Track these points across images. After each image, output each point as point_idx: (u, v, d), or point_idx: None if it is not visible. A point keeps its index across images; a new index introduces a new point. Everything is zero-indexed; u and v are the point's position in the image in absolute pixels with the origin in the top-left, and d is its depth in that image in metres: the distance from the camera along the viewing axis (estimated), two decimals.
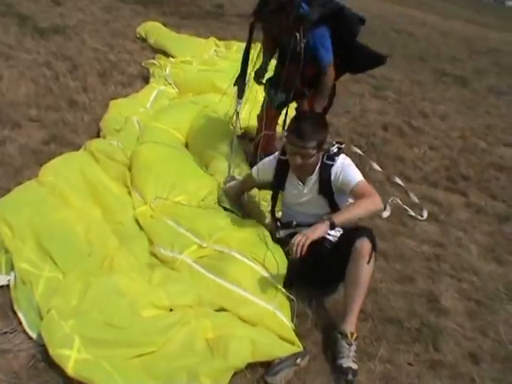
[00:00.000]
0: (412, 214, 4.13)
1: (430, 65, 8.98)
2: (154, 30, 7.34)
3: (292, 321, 2.64)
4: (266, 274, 2.72)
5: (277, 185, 3.06)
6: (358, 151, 5.00)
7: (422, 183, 4.79)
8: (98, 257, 2.79)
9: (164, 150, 3.65)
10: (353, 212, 2.65)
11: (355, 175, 2.79)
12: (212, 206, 3.28)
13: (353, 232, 2.71)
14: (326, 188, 2.87)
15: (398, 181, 4.59)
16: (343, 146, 2.93)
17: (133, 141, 3.86)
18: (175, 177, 3.40)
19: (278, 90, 3.72)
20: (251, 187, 3.35)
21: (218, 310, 2.57)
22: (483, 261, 3.71)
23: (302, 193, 2.95)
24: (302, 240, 2.44)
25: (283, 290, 2.70)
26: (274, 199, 3.14)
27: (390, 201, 4.15)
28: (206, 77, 5.37)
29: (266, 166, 3.07)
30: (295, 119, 2.89)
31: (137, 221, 3.16)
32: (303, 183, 2.94)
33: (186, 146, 4.07)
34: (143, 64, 6.16)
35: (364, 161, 4.84)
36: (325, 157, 2.82)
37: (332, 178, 2.82)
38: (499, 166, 5.43)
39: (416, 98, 7.21)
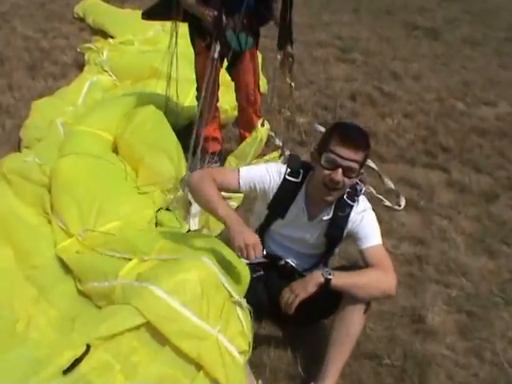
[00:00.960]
0: (388, 204, 3.62)
1: (399, 18, 8.29)
2: (92, 7, 6.55)
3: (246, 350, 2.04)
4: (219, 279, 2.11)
5: (277, 210, 2.28)
6: (323, 130, 4.43)
7: (398, 162, 4.27)
8: (7, 321, 2.25)
9: (87, 163, 3.03)
10: (359, 282, 2.10)
11: (375, 233, 2.22)
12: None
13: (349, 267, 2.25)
14: (337, 233, 2.26)
15: (371, 164, 4.05)
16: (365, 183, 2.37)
17: (54, 152, 3.23)
18: (103, 198, 2.81)
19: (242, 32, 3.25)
20: (229, 190, 2.38)
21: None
22: (472, 256, 3.24)
23: (304, 229, 2.29)
24: (291, 298, 2.06)
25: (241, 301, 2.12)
26: (266, 225, 2.36)
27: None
28: (146, 59, 4.72)
29: (266, 180, 2.22)
30: (337, 125, 2.22)
31: (59, 258, 2.59)
32: (311, 218, 2.26)
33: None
34: (78, 49, 5.47)
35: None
36: (345, 193, 2.21)
37: (348, 225, 2.22)
38: (481, 130, 4.91)
39: (386, 58, 6.60)
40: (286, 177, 2.22)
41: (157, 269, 2.17)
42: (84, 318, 2.21)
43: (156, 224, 2.88)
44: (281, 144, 4.01)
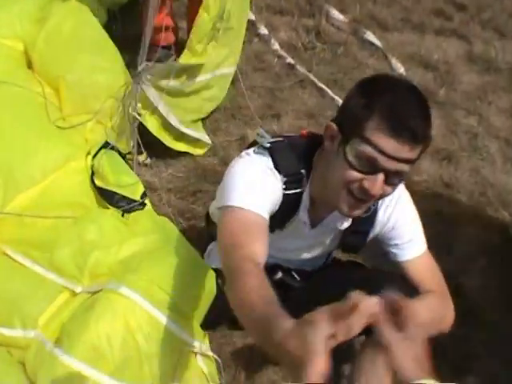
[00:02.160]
0: None
1: None
2: None
3: None
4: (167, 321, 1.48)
5: (277, 222, 1.41)
6: None
7: (403, 29, 3.32)
8: None
9: None
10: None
11: (418, 235, 1.46)
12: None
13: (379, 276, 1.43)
14: (357, 242, 1.49)
15: (371, 37, 3.12)
16: None
17: None
18: (11, 149, 1.91)
19: None
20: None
21: None
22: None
23: (304, 240, 1.53)
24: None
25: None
26: None
27: None
28: None
29: (268, 192, 1.30)
30: (380, 90, 1.22)
31: None
32: (315, 225, 1.46)
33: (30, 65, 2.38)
34: None
35: (315, 7, 3.29)
36: None
37: (376, 228, 1.44)
38: None
39: None
40: (285, 192, 1.34)
41: (73, 320, 1.46)
42: None
43: (92, 175, 2.01)
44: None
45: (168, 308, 1.47)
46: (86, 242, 1.63)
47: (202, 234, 1.84)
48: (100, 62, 2.25)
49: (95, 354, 1.34)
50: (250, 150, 1.36)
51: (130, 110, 2.17)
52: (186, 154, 2.44)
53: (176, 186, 2.34)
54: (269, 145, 1.34)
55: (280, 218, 1.36)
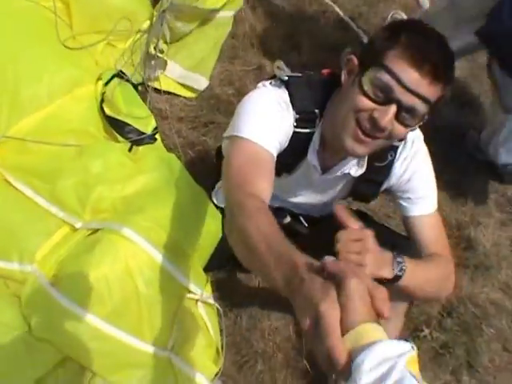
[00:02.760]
0: None
1: None
2: None
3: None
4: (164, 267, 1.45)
5: (285, 165, 1.34)
6: None
7: None
8: None
9: None
10: (430, 280, 1.31)
11: (431, 192, 1.40)
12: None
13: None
14: (369, 191, 1.45)
15: None
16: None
17: None
18: (16, 67, 1.80)
19: None
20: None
21: None
22: None
23: (313, 186, 1.47)
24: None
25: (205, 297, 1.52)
26: None
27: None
28: None
29: (279, 128, 1.24)
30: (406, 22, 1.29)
31: None
32: (326, 170, 1.39)
33: None
34: None
35: None
36: None
37: (391, 180, 1.39)
38: None
39: None
40: (296, 130, 1.27)
41: (72, 258, 1.42)
42: None
43: (102, 102, 1.93)
44: None
45: (171, 251, 1.43)
46: (90, 175, 1.58)
47: (211, 169, 1.78)
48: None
49: (93, 297, 1.32)
50: (267, 82, 1.31)
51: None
52: None
53: (188, 115, 2.26)
54: (286, 78, 1.27)
55: (288, 160, 1.31)
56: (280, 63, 1.29)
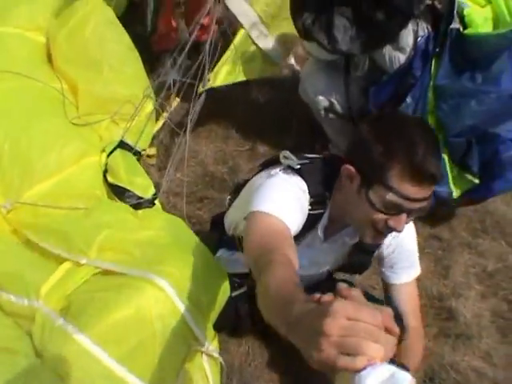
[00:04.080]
0: None
1: None
2: None
3: None
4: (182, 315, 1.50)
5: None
6: None
7: None
8: None
9: (5, 90, 2.12)
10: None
11: (415, 261, 1.61)
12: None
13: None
14: (363, 261, 1.60)
15: None
16: None
17: None
18: (28, 143, 1.98)
19: None
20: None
21: None
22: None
23: (315, 255, 1.58)
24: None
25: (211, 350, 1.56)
26: None
27: None
28: None
29: (300, 212, 1.35)
30: (396, 133, 1.28)
31: None
32: (327, 238, 1.52)
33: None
34: None
35: None
36: None
37: (383, 251, 1.56)
38: None
39: None
40: (310, 212, 1.40)
41: (89, 295, 1.51)
42: None
43: (106, 172, 2.08)
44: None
45: (190, 302, 1.49)
46: (98, 224, 1.70)
47: (207, 239, 1.89)
48: (120, 75, 2.33)
49: (109, 337, 1.38)
50: (279, 171, 1.39)
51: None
52: (194, 158, 2.50)
53: (183, 190, 2.39)
54: (299, 166, 1.38)
55: (298, 234, 1.40)
56: (286, 153, 1.41)
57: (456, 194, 2.18)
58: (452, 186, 2.17)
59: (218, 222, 1.80)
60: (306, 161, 1.42)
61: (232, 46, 2.52)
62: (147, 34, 2.86)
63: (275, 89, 2.94)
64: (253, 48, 2.59)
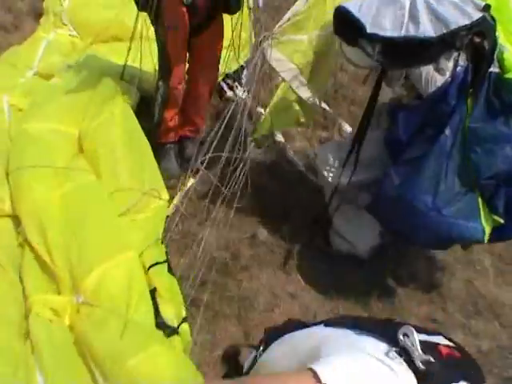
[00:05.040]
0: None
1: None
2: None
3: None
4: None
5: None
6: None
7: None
8: None
9: (49, 188, 2.41)
10: None
11: None
12: None
13: None
14: None
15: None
16: None
17: None
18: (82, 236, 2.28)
19: None
20: None
21: None
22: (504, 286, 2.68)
23: None
24: None
25: None
26: None
27: None
28: (112, 12, 3.85)
29: None
30: None
31: None
32: None
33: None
34: None
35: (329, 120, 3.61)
36: None
37: None
38: None
39: None
40: None
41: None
42: None
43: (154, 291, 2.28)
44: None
45: None
46: None
47: None
48: (136, 183, 2.58)
49: None
50: None
51: None
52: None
53: (186, 274, 2.53)
54: None
55: None
56: None
57: (487, 230, 2.21)
58: (484, 222, 2.20)
59: None
60: None
61: (275, 99, 2.78)
62: (153, 126, 3.06)
63: (276, 180, 3.13)
64: (292, 98, 2.80)
